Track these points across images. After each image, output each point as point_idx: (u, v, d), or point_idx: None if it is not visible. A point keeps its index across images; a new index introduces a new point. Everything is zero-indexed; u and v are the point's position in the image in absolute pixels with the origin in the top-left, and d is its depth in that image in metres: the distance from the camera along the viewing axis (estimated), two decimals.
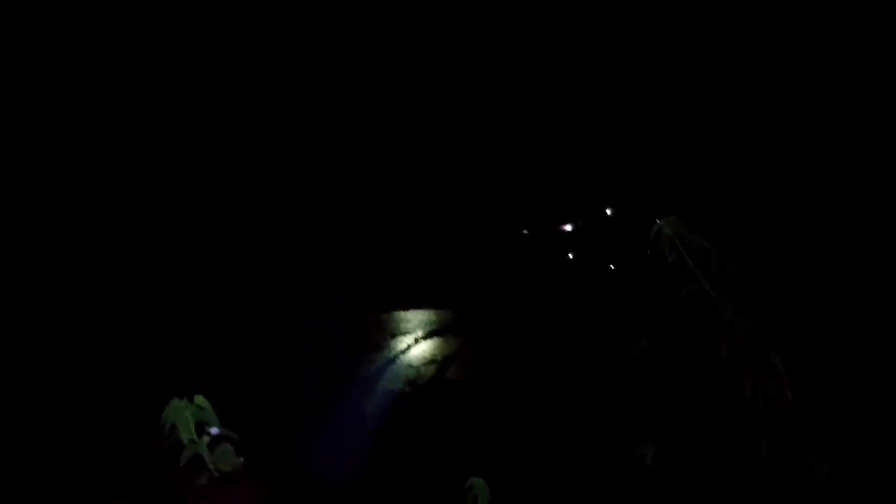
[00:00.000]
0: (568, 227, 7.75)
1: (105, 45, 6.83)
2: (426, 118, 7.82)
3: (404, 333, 7.74)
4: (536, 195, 7.88)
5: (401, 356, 7.62)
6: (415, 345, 7.72)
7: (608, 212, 7.42)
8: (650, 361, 3.26)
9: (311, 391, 6.90)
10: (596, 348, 6.27)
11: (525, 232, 7.83)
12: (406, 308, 7.76)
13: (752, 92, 5.38)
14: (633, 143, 7.12)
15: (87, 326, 6.04)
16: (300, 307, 7.11)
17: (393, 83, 7.75)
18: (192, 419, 2.17)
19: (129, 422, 5.52)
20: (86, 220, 6.61)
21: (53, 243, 6.36)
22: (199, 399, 2.20)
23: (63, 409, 5.60)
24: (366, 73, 7.69)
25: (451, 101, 7.81)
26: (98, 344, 5.99)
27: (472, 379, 7.34)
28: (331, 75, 7.59)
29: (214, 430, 2.17)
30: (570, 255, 7.64)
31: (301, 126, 7.57)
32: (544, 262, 7.69)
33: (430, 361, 7.57)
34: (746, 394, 2.81)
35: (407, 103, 7.78)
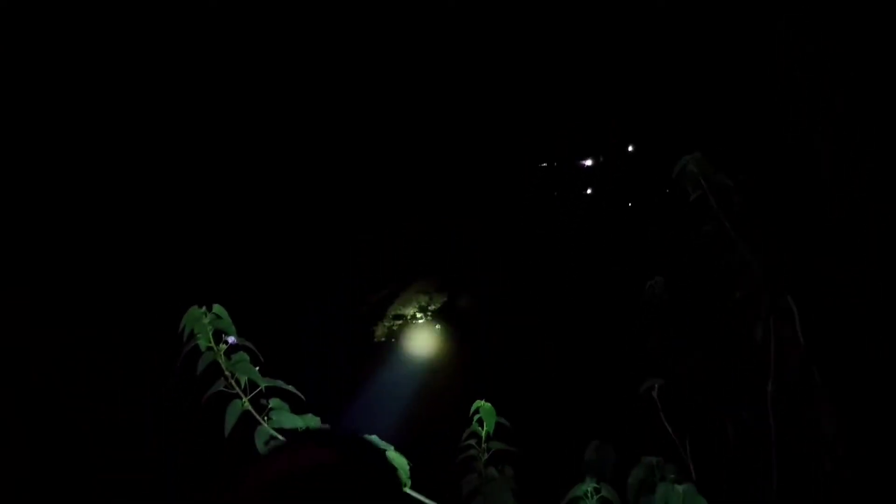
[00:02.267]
0: (588, 162, 7.69)
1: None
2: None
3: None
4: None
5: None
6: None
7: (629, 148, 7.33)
8: (663, 298, 3.22)
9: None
10: (611, 284, 6.25)
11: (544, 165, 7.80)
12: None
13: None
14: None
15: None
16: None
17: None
18: (209, 327, 2.20)
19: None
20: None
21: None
22: (217, 308, 2.23)
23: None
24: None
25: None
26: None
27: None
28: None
29: (232, 340, 2.20)
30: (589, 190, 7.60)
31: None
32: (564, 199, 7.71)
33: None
34: (757, 339, 2.79)
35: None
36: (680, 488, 2.34)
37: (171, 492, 5.18)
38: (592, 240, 7.28)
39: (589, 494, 2.38)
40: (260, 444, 2.18)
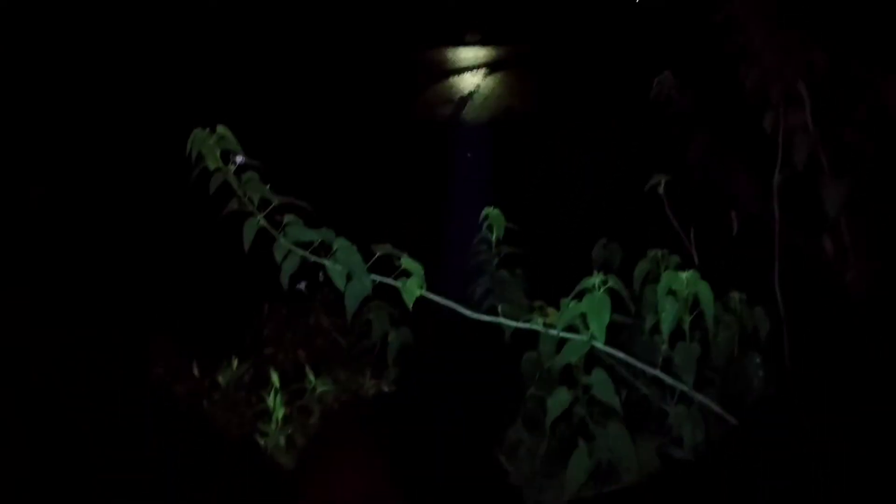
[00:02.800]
0: None
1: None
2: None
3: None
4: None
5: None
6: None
7: None
8: (672, 95, 3.18)
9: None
10: (619, 83, 6.09)
11: None
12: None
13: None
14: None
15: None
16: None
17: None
18: (216, 148, 2.19)
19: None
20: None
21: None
22: (221, 129, 2.22)
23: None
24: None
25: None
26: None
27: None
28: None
29: (240, 159, 2.20)
30: None
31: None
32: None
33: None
34: (767, 129, 2.76)
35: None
36: (683, 274, 2.35)
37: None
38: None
39: (597, 286, 2.40)
40: (279, 257, 2.18)
